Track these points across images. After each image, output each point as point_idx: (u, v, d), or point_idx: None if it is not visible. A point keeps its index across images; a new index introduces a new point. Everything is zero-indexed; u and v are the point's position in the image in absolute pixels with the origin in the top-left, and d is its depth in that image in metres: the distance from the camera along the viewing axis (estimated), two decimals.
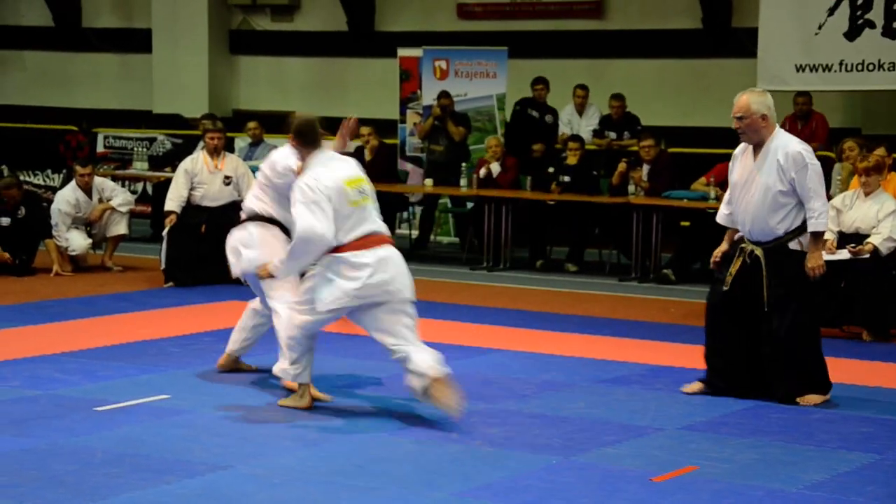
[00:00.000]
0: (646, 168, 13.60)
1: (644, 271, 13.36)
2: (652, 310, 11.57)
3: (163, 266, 12.25)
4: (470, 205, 15.05)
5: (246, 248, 8.11)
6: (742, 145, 8.01)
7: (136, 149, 17.28)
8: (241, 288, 12.09)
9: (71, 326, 10.07)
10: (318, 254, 7.29)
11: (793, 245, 7.84)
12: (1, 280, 12.27)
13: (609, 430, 7.10)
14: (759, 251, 7.81)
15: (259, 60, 19.47)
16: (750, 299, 7.87)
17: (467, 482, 6.12)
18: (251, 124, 15.88)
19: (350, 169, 7.58)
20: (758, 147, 7.86)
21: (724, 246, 8.05)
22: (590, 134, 15.35)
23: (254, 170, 13.41)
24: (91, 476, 6.10)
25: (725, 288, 7.92)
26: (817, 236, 7.88)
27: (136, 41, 18.78)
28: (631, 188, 13.42)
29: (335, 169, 7.46)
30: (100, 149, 17.96)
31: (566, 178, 14.12)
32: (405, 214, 16.08)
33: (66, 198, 13.10)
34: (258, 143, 15.59)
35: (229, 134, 14.27)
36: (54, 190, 15.73)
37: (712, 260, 8.12)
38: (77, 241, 13.01)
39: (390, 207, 15.30)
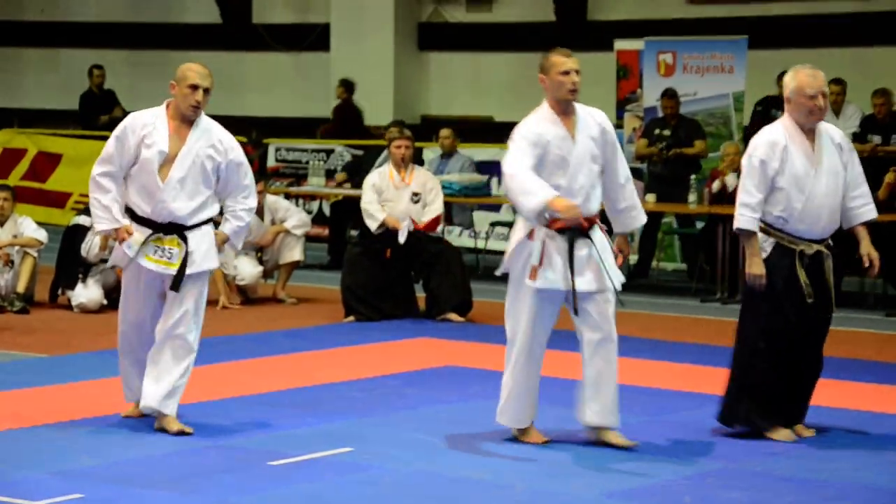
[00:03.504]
0: None
1: None
2: None
3: (343, 298, 12.42)
4: (700, 224, 14.96)
5: None
6: (783, 133, 8.09)
7: (311, 162, 17.55)
8: (431, 323, 12.24)
9: (241, 367, 10.29)
10: None
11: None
12: None
13: (878, 497, 6.99)
14: (824, 249, 8.01)
15: (453, 57, 19.63)
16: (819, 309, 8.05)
17: None
18: (443, 132, 16.00)
19: None
20: (810, 132, 8.08)
21: (761, 256, 8.05)
22: (850, 137, 15.13)
23: (445, 186, 13.57)
24: None
25: (811, 300, 7.94)
26: (869, 225, 8.23)
27: (313, 38, 19.11)
28: None
29: None
30: (271, 163, 18.24)
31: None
32: None
33: None
34: (451, 155, 15.71)
35: (418, 143, 14.38)
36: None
37: (758, 275, 8.00)
38: (246, 270, 13.19)
39: None
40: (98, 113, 19.65)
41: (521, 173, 7.59)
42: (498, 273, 7.80)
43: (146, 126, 7.98)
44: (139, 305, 8.24)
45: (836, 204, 8.06)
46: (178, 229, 8.06)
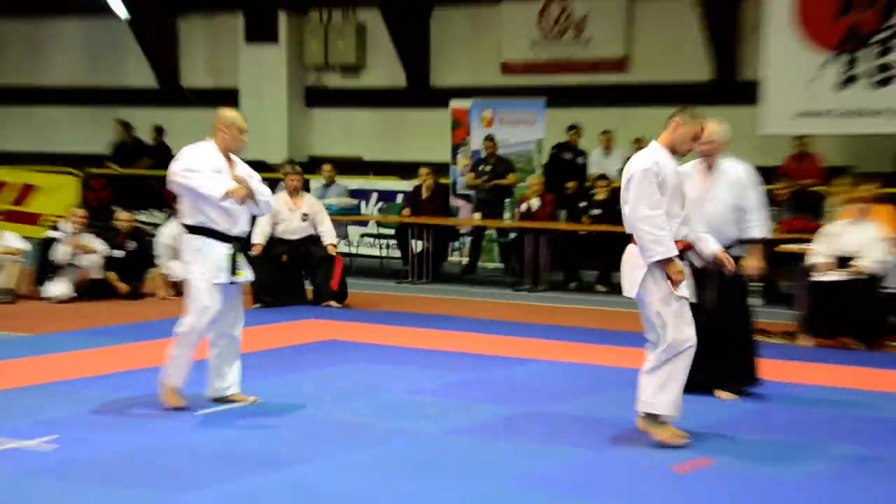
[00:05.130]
0: None
1: None
2: None
3: (252, 290, 12.41)
4: (513, 235, 15.13)
5: None
6: (688, 165, 7.85)
7: None
8: (318, 308, 12.27)
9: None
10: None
11: (736, 251, 7.83)
12: (117, 304, 12.46)
13: (635, 427, 7.17)
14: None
15: (331, 113, 19.61)
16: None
17: (516, 473, 6.18)
18: (325, 167, 16.00)
19: None
20: (711, 167, 7.90)
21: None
22: (616, 172, 15.41)
23: (327, 207, 13.61)
24: (196, 468, 6.18)
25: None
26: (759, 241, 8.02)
27: (226, 98, 18.98)
28: None
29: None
30: None
31: (596, 212, 14.20)
32: (456, 244, 16.17)
33: (170, 232, 13.26)
34: (330, 184, 15.74)
35: (306, 176, 14.39)
36: (157, 226, 15.91)
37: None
38: (178, 270, 13.08)
39: (444, 238, 15.47)
40: (131, 157, 19.33)
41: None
42: (632, 295, 6.74)
43: (216, 159, 7.63)
44: (223, 310, 7.63)
45: (718, 224, 7.75)
46: (243, 242, 7.80)
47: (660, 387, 6.67)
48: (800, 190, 13.89)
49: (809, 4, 14.78)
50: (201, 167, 7.53)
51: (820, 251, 10.55)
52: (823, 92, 14.77)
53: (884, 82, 14.50)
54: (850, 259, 10.40)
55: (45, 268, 12.85)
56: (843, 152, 15.49)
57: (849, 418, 7.64)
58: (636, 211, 6.66)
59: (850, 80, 14.68)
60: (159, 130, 19.53)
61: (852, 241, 10.47)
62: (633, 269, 6.74)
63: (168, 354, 7.57)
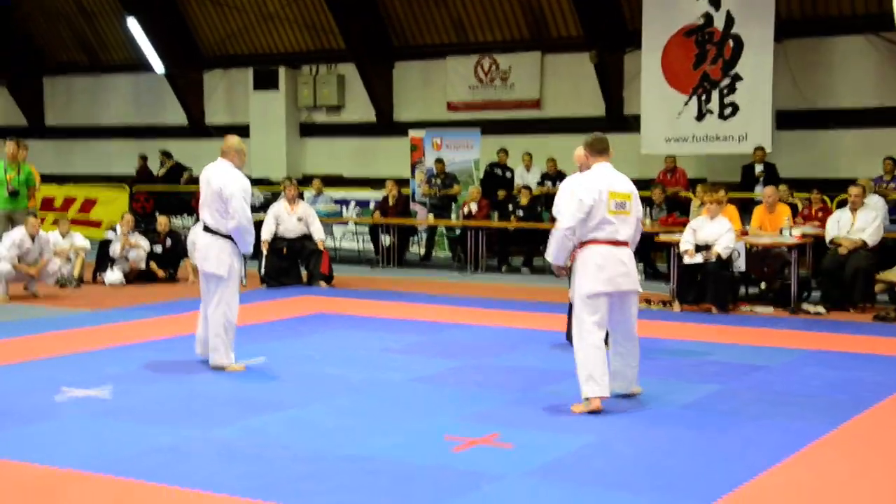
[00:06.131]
0: None
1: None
2: None
3: (260, 275, 12.30)
4: (458, 231, 15.09)
5: None
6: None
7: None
8: (310, 288, 12.18)
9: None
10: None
11: None
12: (158, 287, 12.30)
13: (554, 376, 7.12)
14: None
15: (319, 141, 19.48)
16: None
17: (462, 410, 6.14)
18: (315, 182, 15.90)
19: (619, 184, 6.13)
20: None
21: None
22: (535, 184, 15.41)
23: (317, 212, 13.49)
24: (218, 410, 6.11)
25: None
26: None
27: (240, 131, 18.75)
28: None
29: (609, 181, 6.09)
30: None
31: (520, 213, 14.17)
32: (415, 238, 16.10)
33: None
34: (319, 195, 15.61)
35: (301, 188, 14.23)
36: (188, 227, 15.74)
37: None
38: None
39: (406, 234, 15.40)
40: (175, 179, 19.08)
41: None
42: (640, 290, 6.24)
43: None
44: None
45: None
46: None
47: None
48: (671, 195, 13.94)
49: (672, 60, 14.84)
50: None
51: (686, 240, 10.58)
52: (686, 123, 14.85)
53: (728, 116, 14.61)
54: (708, 246, 10.43)
55: (103, 260, 12.66)
56: (701, 167, 15.56)
57: (709, 364, 7.66)
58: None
59: (704, 115, 14.76)
60: (167, 155, 19.48)
61: (709, 232, 10.51)
62: (634, 268, 6.21)
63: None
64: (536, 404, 6.25)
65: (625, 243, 6.13)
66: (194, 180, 18.22)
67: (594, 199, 6.01)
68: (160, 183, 19.17)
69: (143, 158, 19.85)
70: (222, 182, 7.20)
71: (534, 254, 14.21)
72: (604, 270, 6.04)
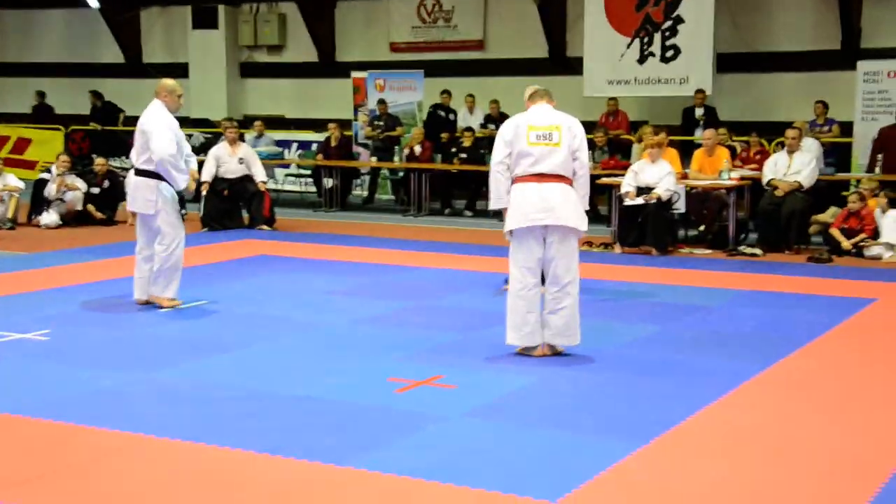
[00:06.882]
0: None
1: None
2: None
3: (200, 217, 12.14)
4: (401, 174, 15.03)
5: None
6: None
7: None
8: (252, 231, 12.09)
9: None
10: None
11: None
12: (95, 229, 12.10)
13: (494, 318, 7.15)
14: None
15: (260, 82, 19.16)
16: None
17: (404, 350, 6.16)
18: (256, 123, 15.66)
19: (542, 118, 5.96)
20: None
21: None
22: (478, 126, 15.37)
23: (259, 154, 13.32)
24: (160, 352, 6.07)
25: None
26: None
27: (180, 70, 18.39)
28: None
29: (530, 116, 5.98)
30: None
31: (463, 155, 14.14)
32: (358, 181, 15.99)
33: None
34: (261, 136, 15.40)
35: (241, 130, 14.02)
36: (125, 169, 15.44)
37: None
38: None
39: (348, 176, 15.29)
40: (101, 119, 18.62)
41: None
42: (585, 229, 5.95)
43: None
44: None
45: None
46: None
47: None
48: (613, 138, 14.00)
49: (615, 1, 14.81)
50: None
51: (627, 182, 10.66)
52: (628, 65, 14.87)
53: (670, 59, 14.66)
54: (649, 189, 10.52)
55: (38, 202, 12.39)
56: (642, 110, 15.62)
57: (648, 304, 7.78)
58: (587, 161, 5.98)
59: (646, 57, 14.79)
60: (97, 95, 18.99)
61: (650, 175, 10.60)
62: (577, 206, 5.91)
63: None
64: (479, 346, 6.29)
65: (554, 177, 5.84)
66: (130, 121, 17.91)
67: (512, 133, 5.92)
68: (96, 123, 18.75)
69: (96, 95, 19.01)
70: (144, 119, 7.30)
71: (477, 196, 14.23)
72: (519, 207, 5.84)
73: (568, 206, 5.86)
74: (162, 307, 7.32)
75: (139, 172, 7.35)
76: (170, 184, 7.27)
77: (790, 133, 10.96)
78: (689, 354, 6.15)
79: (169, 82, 7.42)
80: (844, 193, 11.72)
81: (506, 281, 7.10)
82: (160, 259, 7.28)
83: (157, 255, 7.30)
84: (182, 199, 7.39)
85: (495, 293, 7.87)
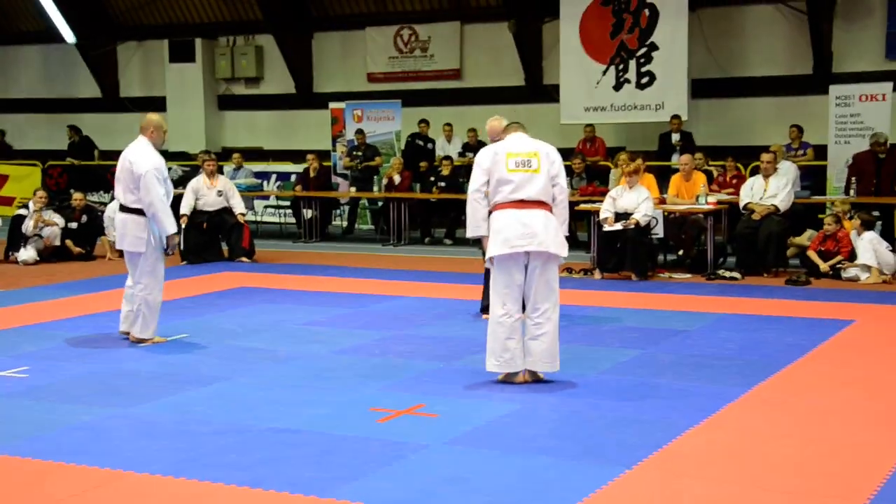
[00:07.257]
0: None
1: None
2: None
3: (180, 251, 12.07)
4: (380, 203, 15.04)
5: None
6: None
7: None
8: (232, 263, 12.05)
9: (120, 293, 9.89)
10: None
11: None
12: (74, 265, 12.03)
13: (475, 345, 7.14)
14: None
15: (238, 114, 19.17)
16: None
17: (386, 380, 6.15)
18: (235, 156, 15.66)
19: (521, 145, 5.96)
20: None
21: None
22: (456, 155, 15.41)
23: (237, 186, 13.32)
24: (140, 387, 6.04)
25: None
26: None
27: (156, 105, 18.40)
28: None
29: (508, 144, 5.98)
30: None
31: (442, 184, 14.18)
32: (338, 211, 16.01)
33: (113, 207, 12.80)
34: (239, 168, 15.38)
35: (220, 162, 14.01)
36: (103, 204, 15.41)
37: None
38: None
39: (328, 207, 15.29)
40: (77, 154, 18.55)
41: None
42: (565, 255, 6.02)
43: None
44: None
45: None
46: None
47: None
48: (591, 164, 14.08)
49: (590, 29, 14.95)
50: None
51: (606, 209, 10.71)
52: (604, 92, 14.99)
53: (645, 85, 14.78)
54: (627, 214, 10.57)
55: (16, 238, 12.30)
56: (619, 136, 15.74)
57: (629, 330, 7.79)
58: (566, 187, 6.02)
59: (622, 84, 14.91)
60: (76, 130, 18.92)
61: (628, 201, 10.65)
62: (557, 233, 5.92)
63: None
64: (460, 374, 6.28)
65: (534, 203, 5.85)
66: (107, 155, 17.91)
67: (490, 160, 5.90)
68: (73, 158, 18.69)
69: (75, 130, 18.92)
70: (133, 159, 7.19)
71: (456, 225, 14.26)
72: (500, 233, 5.82)
73: (549, 233, 5.87)
74: (143, 343, 7.27)
75: (127, 210, 7.24)
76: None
77: (765, 157, 11.05)
78: (670, 378, 6.16)
79: (155, 118, 7.36)
80: (821, 216, 11.82)
81: (483, 309, 7.10)
82: (139, 299, 7.24)
83: (136, 295, 7.26)
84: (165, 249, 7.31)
85: (474, 318, 7.87)
